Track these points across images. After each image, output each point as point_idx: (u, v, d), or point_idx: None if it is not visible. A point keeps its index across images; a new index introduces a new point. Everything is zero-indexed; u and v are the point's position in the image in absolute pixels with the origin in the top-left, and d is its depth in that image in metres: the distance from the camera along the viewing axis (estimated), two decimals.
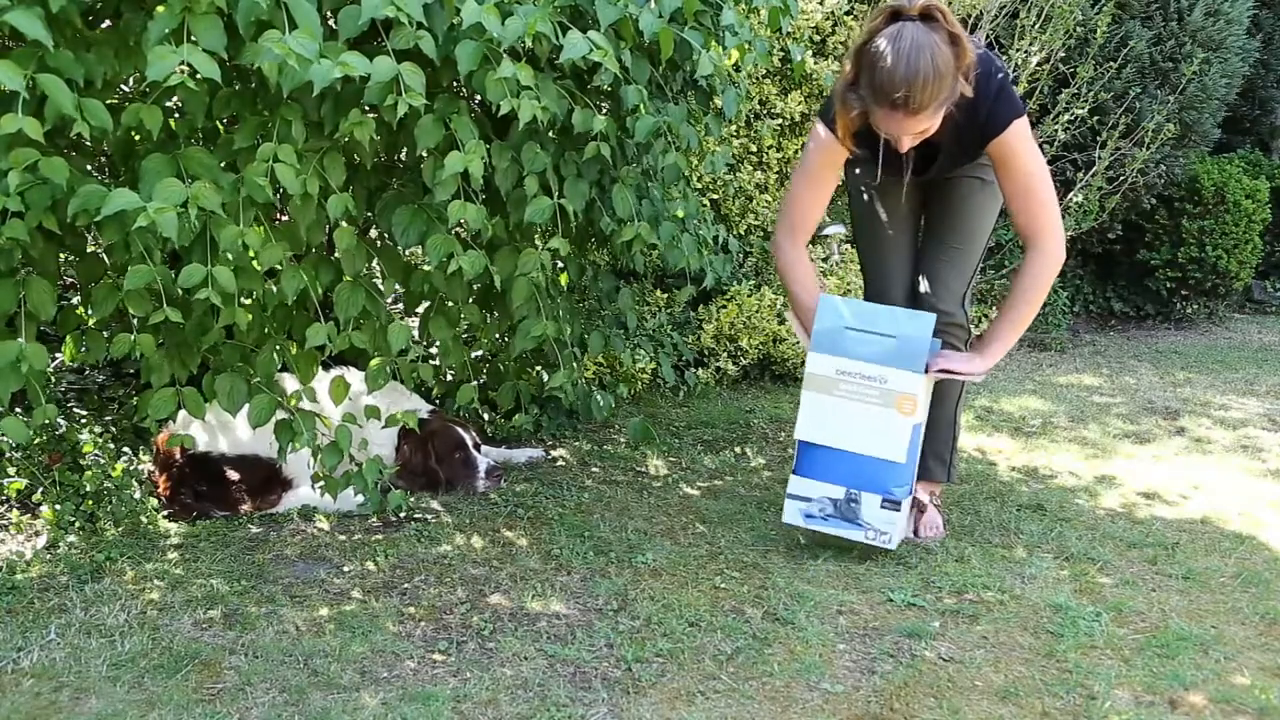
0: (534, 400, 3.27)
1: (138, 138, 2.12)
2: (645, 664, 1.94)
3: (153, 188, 1.84)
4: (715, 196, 4.03)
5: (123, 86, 2.36)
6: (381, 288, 2.44)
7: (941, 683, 1.91)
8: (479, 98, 2.23)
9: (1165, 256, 5.92)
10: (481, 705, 1.79)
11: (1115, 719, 1.80)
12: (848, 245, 4.29)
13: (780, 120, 4.08)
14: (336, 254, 2.33)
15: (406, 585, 2.25)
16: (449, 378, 3.26)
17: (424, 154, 2.20)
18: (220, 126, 2.30)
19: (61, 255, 2.23)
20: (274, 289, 2.22)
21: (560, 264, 2.76)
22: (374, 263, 2.44)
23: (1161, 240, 5.94)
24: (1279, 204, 6.39)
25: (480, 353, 3.36)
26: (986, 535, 2.64)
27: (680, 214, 2.74)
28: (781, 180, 4.13)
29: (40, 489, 2.47)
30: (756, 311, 4.01)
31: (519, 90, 2.05)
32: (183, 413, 2.35)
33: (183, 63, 1.72)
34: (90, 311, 2.19)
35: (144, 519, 2.52)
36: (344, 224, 2.26)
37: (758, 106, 4.08)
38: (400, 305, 3.61)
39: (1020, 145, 2.30)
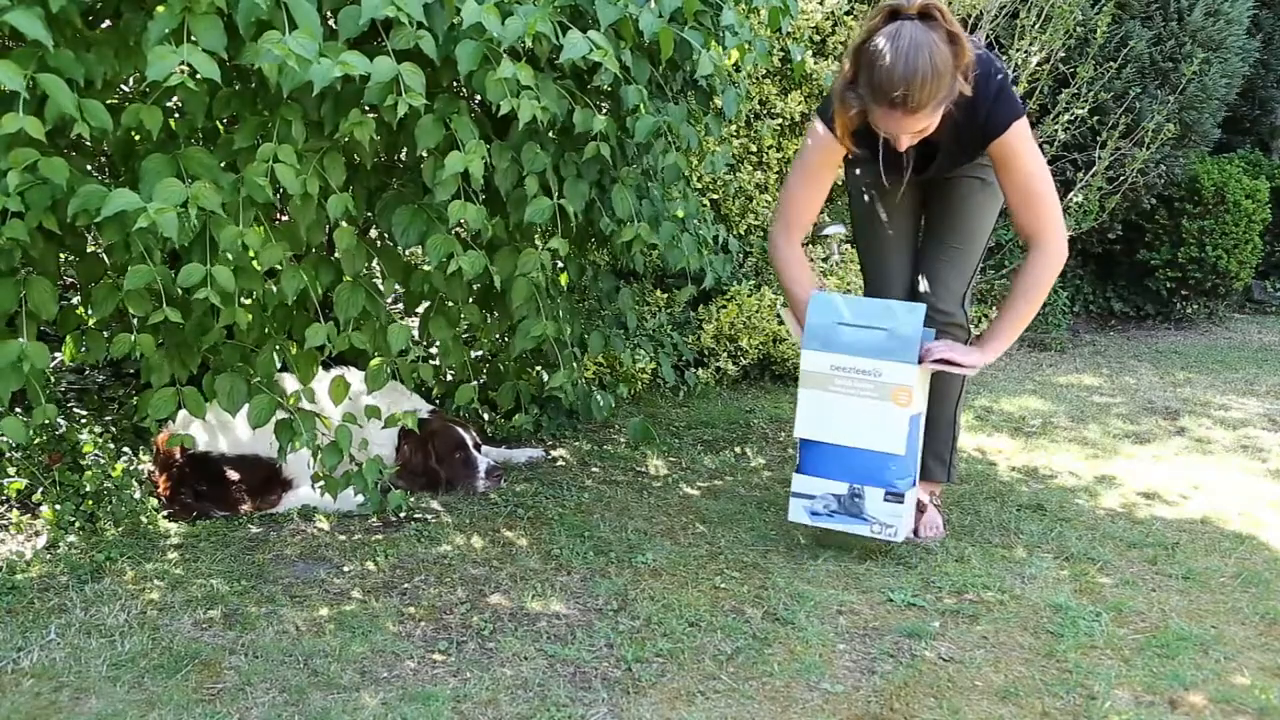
0: (534, 400, 3.27)
1: (138, 138, 2.12)
2: (645, 664, 1.94)
3: (153, 188, 1.84)
4: (715, 196, 4.03)
5: (123, 86, 2.36)
6: (381, 288, 2.44)
7: (941, 683, 1.91)
8: (479, 98, 2.23)
9: (1165, 256, 5.92)
10: (481, 705, 1.79)
11: (1115, 719, 1.80)
12: (848, 245, 4.29)
13: (780, 120, 4.08)
14: (336, 254, 2.33)
15: (406, 585, 2.25)
16: (449, 378, 3.26)
17: (424, 154, 2.20)
18: (220, 126, 2.31)
19: (61, 255, 2.23)
20: (274, 289, 2.22)
21: (560, 264, 2.76)
22: (374, 263, 2.44)
23: (1161, 240, 5.94)
24: (1279, 204, 6.39)
25: (480, 353, 3.36)
26: (986, 535, 2.64)
27: (680, 214, 2.74)
28: (781, 180, 4.14)
29: (40, 489, 2.47)
30: (756, 311, 4.01)
31: (519, 90, 2.05)
32: (183, 412, 2.35)
33: (183, 63, 1.72)
34: (90, 311, 2.19)
35: (144, 519, 2.52)
36: (344, 224, 2.26)
37: (758, 106, 4.08)
38: (400, 305, 3.61)
39: (1021, 146, 2.30)
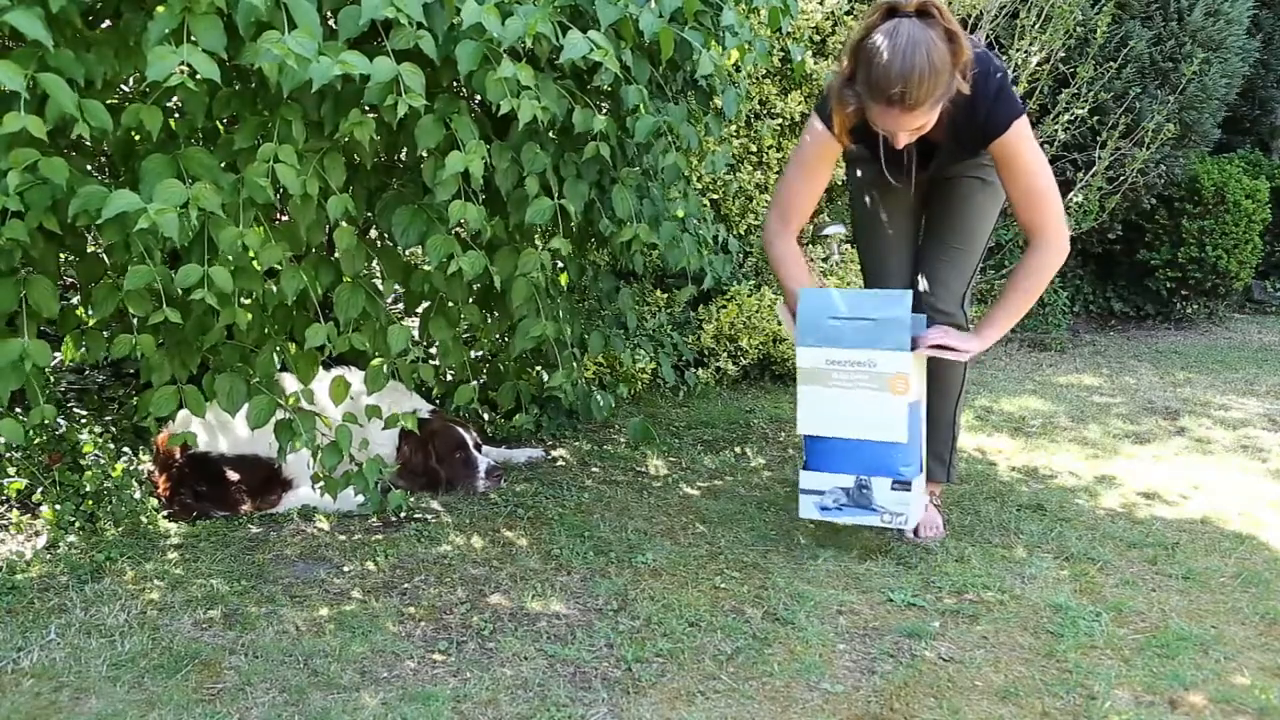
0: (534, 400, 3.27)
1: (138, 138, 2.12)
2: (645, 664, 1.94)
3: (153, 188, 1.84)
4: (715, 196, 4.03)
5: (123, 86, 2.36)
6: (381, 288, 2.44)
7: (941, 683, 1.91)
8: (479, 98, 2.23)
9: (1165, 256, 5.92)
10: (481, 705, 1.79)
11: (1115, 719, 1.80)
12: (848, 245, 4.29)
13: (780, 120, 4.09)
14: (336, 254, 2.33)
15: (406, 585, 2.25)
16: (449, 378, 3.26)
17: (424, 154, 2.20)
18: (220, 126, 2.30)
19: (61, 255, 2.23)
20: (274, 289, 2.22)
21: (560, 264, 2.76)
22: (374, 263, 2.44)
23: (1161, 240, 5.94)
24: (1279, 204, 6.39)
25: (480, 353, 3.36)
26: (986, 535, 2.64)
27: (680, 214, 2.74)
28: None
29: (40, 489, 2.47)
30: (756, 311, 4.01)
31: (519, 90, 2.05)
32: (182, 412, 2.35)
33: (183, 63, 1.72)
34: (90, 311, 2.19)
35: (144, 519, 2.52)
36: (344, 224, 2.26)
37: (758, 106, 4.08)
38: (400, 305, 3.61)
39: (1022, 144, 2.30)
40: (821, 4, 4.13)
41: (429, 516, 2.66)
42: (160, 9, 1.75)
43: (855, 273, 4.13)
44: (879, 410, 2.37)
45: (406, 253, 2.63)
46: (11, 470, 2.53)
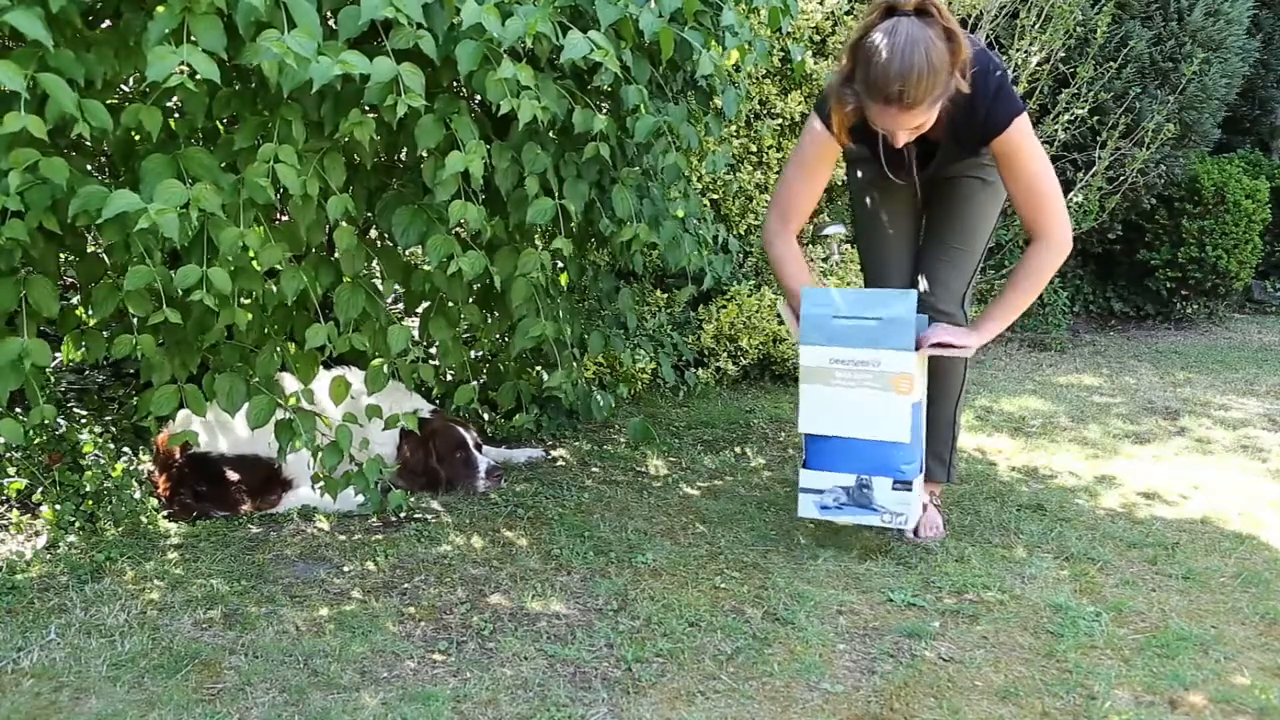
0: (534, 400, 3.27)
1: (138, 138, 2.12)
2: (645, 664, 1.94)
3: (153, 188, 1.84)
4: (715, 196, 4.03)
5: (123, 86, 2.36)
6: (381, 288, 2.44)
7: (941, 683, 1.91)
8: (479, 98, 2.23)
9: (1165, 256, 5.92)
10: (481, 705, 1.79)
11: (1115, 719, 1.80)
12: (848, 245, 4.30)
13: (780, 120, 4.09)
14: (336, 254, 2.33)
15: (406, 585, 2.25)
16: (449, 378, 3.27)
17: (424, 154, 2.20)
18: (220, 126, 2.30)
19: (61, 255, 2.23)
20: (274, 289, 2.22)
21: (560, 264, 2.76)
22: (374, 263, 2.44)
23: (1161, 240, 5.94)
24: (1279, 204, 6.39)
25: (480, 353, 3.36)
26: (986, 535, 2.64)
27: (680, 214, 2.74)
28: None
29: (40, 489, 2.47)
30: (756, 311, 4.01)
31: (519, 90, 2.05)
32: (182, 412, 2.35)
33: (183, 63, 1.72)
34: (90, 312, 2.19)
35: (144, 519, 2.52)
36: (344, 224, 2.26)
37: (758, 106, 4.08)
38: (400, 306, 3.61)
39: (1023, 142, 2.30)
40: (821, 4, 4.13)
41: (429, 516, 2.66)
42: (160, 9, 1.75)
43: (855, 273, 4.13)
44: (882, 410, 2.37)
45: (406, 253, 2.63)
46: (11, 470, 2.53)
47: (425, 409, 2.89)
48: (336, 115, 2.04)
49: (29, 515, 2.49)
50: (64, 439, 2.61)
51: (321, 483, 2.45)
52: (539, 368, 3.23)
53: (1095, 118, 5.19)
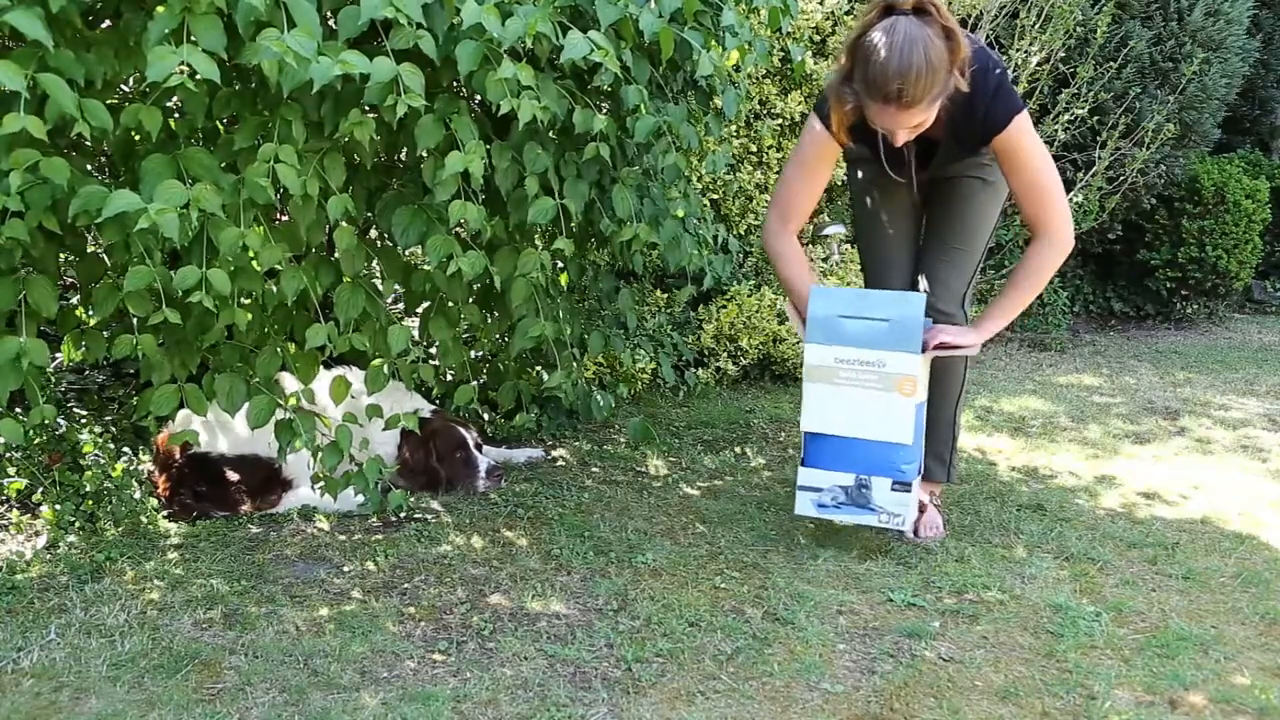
0: (534, 400, 3.27)
1: (138, 138, 2.12)
2: (645, 664, 1.94)
3: (153, 188, 1.84)
4: (715, 196, 4.03)
5: (123, 86, 2.36)
6: (381, 288, 2.44)
7: (941, 683, 1.91)
8: (479, 98, 2.23)
9: (1165, 256, 5.92)
10: (481, 705, 1.79)
11: (1115, 719, 1.80)
12: (848, 245, 4.30)
13: (780, 120, 4.09)
14: (336, 254, 2.33)
15: (406, 585, 2.25)
16: (449, 378, 3.27)
17: (424, 154, 2.20)
18: (220, 126, 2.30)
19: (61, 255, 2.23)
20: (274, 289, 2.22)
21: (560, 264, 2.76)
22: (374, 263, 2.44)
23: (1161, 240, 5.94)
24: (1279, 204, 6.39)
25: (480, 353, 3.36)
26: (986, 535, 2.64)
27: (680, 214, 2.74)
28: None
29: (40, 489, 2.47)
30: (756, 311, 4.01)
31: (519, 90, 2.05)
32: (182, 412, 2.35)
33: (183, 63, 1.72)
34: (90, 312, 2.19)
35: (144, 519, 2.52)
36: (344, 224, 2.26)
37: (758, 106, 4.08)
38: (400, 306, 3.61)
39: (1024, 140, 2.30)
40: (821, 4, 4.13)
41: (429, 516, 2.66)
42: (160, 9, 1.75)
43: (855, 273, 4.13)
44: (885, 410, 2.37)
45: (406, 253, 2.63)
46: (11, 470, 2.53)
47: (426, 409, 2.89)
48: (336, 115, 2.04)
49: (29, 515, 2.49)
50: (64, 439, 2.61)
51: (321, 483, 2.45)
52: (539, 368, 3.23)
53: (1095, 118, 5.19)
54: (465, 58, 2.01)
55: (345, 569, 2.33)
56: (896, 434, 2.38)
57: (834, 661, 1.98)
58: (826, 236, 4.24)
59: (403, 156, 2.60)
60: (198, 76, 1.74)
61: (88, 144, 2.05)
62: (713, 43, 2.47)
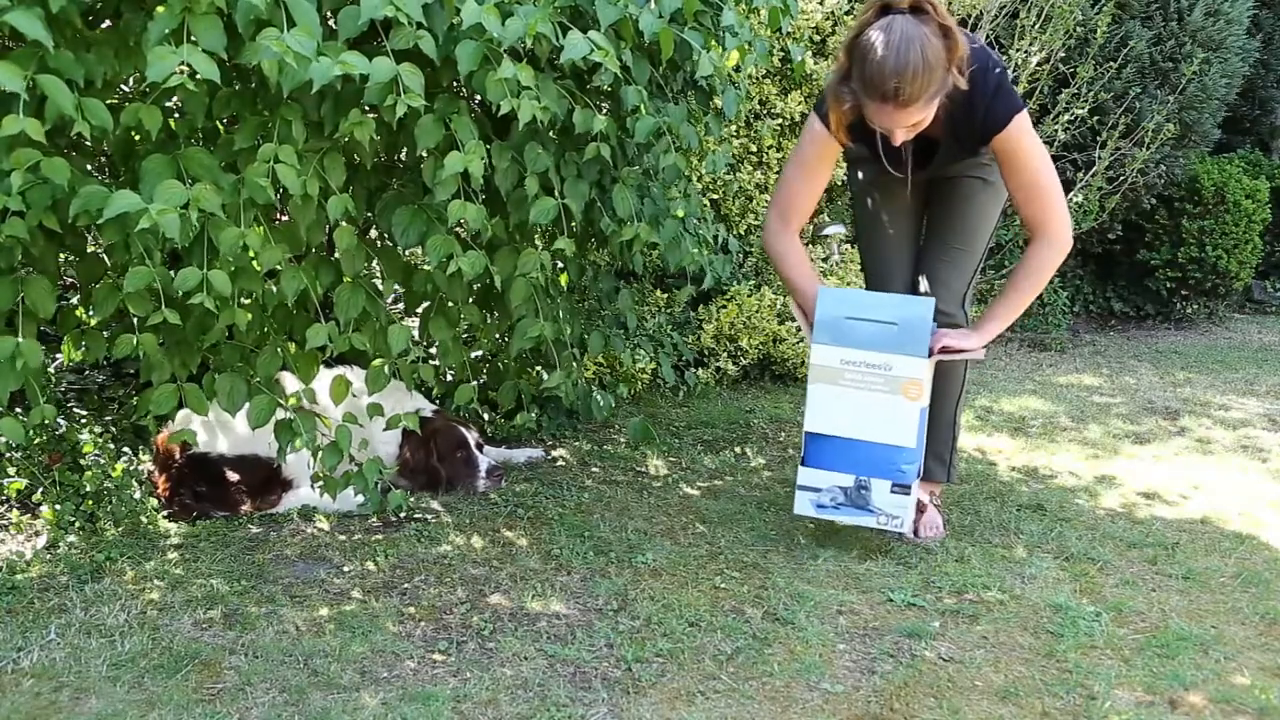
0: (534, 400, 3.27)
1: (138, 138, 2.12)
2: (645, 664, 1.94)
3: (153, 188, 1.84)
4: (715, 196, 4.03)
5: (123, 86, 2.36)
6: (381, 288, 2.44)
7: (941, 683, 1.91)
8: (479, 98, 2.23)
9: (1165, 256, 5.92)
10: (481, 705, 1.79)
11: (1115, 719, 1.80)
12: (848, 245, 4.30)
13: (780, 120, 4.08)
14: (336, 254, 2.33)
15: (406, 585, 2.25)
16: (449, 378, 3.27)
17: (424, 154, 2.20)
18: (220, 126, 2.30)
19: (61, 255, 2.23)
20: (274, 289, 2.22)
21: (560, 264, 2.76)
22: (374, 263, 2.44)
23: (1161, 240, 5.94)
24: (1279, 204, 6.39)
25: (480, 353, 3.36)
26: (986, 535, 2.64)
27: (680, 214, 2.74)
28: None
29: (40, 489, 2.47)
30: (756, 311, 4.01)
31: (519, 90, 2.05)
32: (182, 411, 2.35)
33: (183, 63, 1.72)
34: (91, 312, 2.19)
35: (144, 519, 2.52)
36: (344, 224, 2.26)
37: (758, 106, 4.08)
38: (400, 305, 3.61)
39: (1023, 140, 2.30)
40: (821, 4, 4.13)
41: (429, 516, 2.66)
42: (160, 9, 1.75)
43: (855, 273, 4.13)
44: (889, 413, 2.38)
45: (406, 253, 2.63)
46: (11, 470, 2.53)
47: (427, 409, 2.90)
48: (336, 115, 2.04)
49: (29, 515, 2.49)
50: (64, 439, 2.61)
51: (321, 483, 2.45)
52: (539, 368, 3.23)
53: (1095, 118, 5.19)
54: (465, 58, 2.01)
55: (345, 569, 2.33)
56: (900, 437, 2.38)
57: (834, 661, 1.98)
58: (826, 236, 4.24)
59: (403, 156, 2.60)
60: (198, 76, 1.73)
61: (88, 144, 2.05)
62: (713, 43, 2.47)
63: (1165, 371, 4.82)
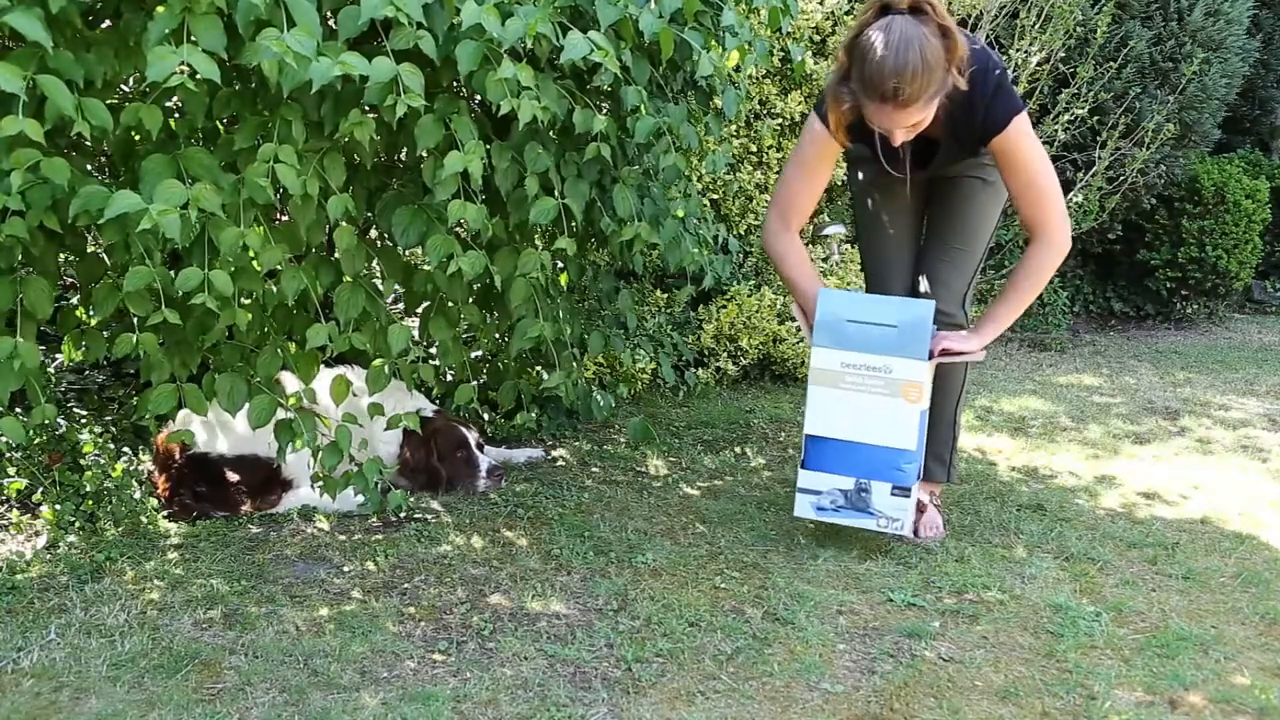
0: (534, 400, 3.27)
1: (138, 138, 2.12)
2: (645, 664, 1.94)
3: (153, 188, 1.84)
4: (715, 196, 4.03)
5: (123, 86, 2.36)
6: (381, 288, 2.44)
7: (941, 683, 1.91)
8: (479, 98, 2.23)
9: (1165, 256, 5.92)
10: (481, 705, 1.79)
11: (1115, 719, 1.80)
12: (848, 245, 4.30)
13: (780, 120, 4.08)
14: (336, 254, 2.33)
15: (406, 585, 2.25)
16: (449, 378, 3.26)
17: (424, 154, 2.20)
18: (220, 126, 2.30)
19: (61, 255, 2.23)
20: (274, 289, 2.22)
21: (560, 264, 2.76)
22: (374, 263, 2.44)
23: (1161, 240, 5.94)
24: (1279, 204, 6.39)
25: (480, 353, 3.36)
26: (986, 535, 2.64)
27: (680, 214, 2.74)
28: None
29: (40, 489, 2.47)
30: (756, 311, 4.01)
31: (519, 90, 2.05)
32: (182, 412, 2.35)
33: (183, 63, 1.72)
34: (91, 312, 2.19)
35: (144, 519, 2.52)
36: (344, 224, 2.26)
37: (758, 106, 4.08)
38: (400, 305, 3.61)
39: (1023, 141, 2.30)
40: (821, 4, 4.13)
41: (429, 516, 2.66)
42: (160, 9, 1.75)
43: (855, 273, 4.13)
44: (890, 416, 2.38)
45: (406, 253, 2.63)
46: (11, 470, 2.53)
47: (428, 409, 2.90)
48: (336, 115, 2.04)
49: (29, 515, 2.49)
50: (64, 439, 2.61)
51: (321, 483, 2.45)
52: (539, 368, 3.23)
53: (1095, 118, 5.19)
54: (465, 58, 2.01)
55: (345, 569, 2.33)
56: (900, 440, 2.38)
57: (834, 661, 1.98)
58: (826, 236, 4.24)
59: (403, 156, 2.60)
60: (198, 76, 1.73)
61: (88, 144, 2.05)
62: (713, 43, 2.47)
63: (1165, 371, 4.82)
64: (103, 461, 2.54)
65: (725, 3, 2.48)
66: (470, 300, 2.66)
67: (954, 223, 2.55)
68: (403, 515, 2.64)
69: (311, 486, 2.53)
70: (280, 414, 2.31)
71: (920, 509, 2.59)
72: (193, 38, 1.75)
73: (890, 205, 2.60)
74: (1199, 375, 4.75)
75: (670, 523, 2.68)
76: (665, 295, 4.00)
